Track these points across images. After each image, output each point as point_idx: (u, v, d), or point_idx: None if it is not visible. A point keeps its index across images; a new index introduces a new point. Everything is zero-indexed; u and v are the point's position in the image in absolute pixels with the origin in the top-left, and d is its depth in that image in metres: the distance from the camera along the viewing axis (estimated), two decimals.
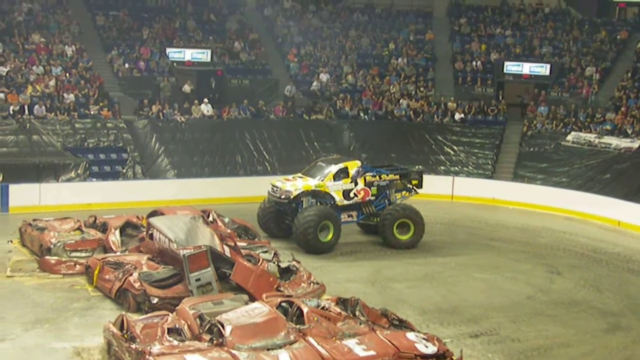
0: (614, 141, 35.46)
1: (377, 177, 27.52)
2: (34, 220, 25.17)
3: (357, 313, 17.71)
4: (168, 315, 17.09)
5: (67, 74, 36.00)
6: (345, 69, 42.39)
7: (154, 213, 23.31)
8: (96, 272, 21.12)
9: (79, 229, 24.24)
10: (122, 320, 16.75)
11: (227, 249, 20.60)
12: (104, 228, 24.21)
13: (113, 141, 34.14)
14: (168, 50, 39.91)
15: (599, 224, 32.17)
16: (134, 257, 21.45)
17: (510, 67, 42.22)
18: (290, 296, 18.79)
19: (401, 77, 41.80)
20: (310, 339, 16.08)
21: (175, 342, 15.74)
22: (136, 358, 15.46)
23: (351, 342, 16.15)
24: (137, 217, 25.01)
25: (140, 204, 29.23)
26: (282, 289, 20.21)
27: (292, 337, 16.06)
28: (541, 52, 43.12)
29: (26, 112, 33.03)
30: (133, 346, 15.71)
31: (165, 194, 31.23)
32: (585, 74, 41.17)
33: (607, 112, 37.47)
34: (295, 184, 26.65)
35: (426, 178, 29.22)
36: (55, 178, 31.47)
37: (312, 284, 21.01)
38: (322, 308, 17.35)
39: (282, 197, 26.54)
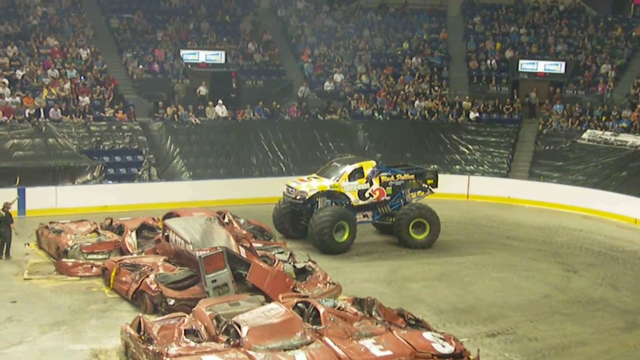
0: (630, 139, 35.29)
1: (392, 177, 27.49)
2: (51, 223, 25.34)
3: (373, 313, 17.69)
4: (185, 316, 17.12)
5: (82, 77, 36.19)
6: (359, 69, 42.38)
7: (170, 215, 23.37)
8: (113, 274, 21.21)
9: (95, 231, 24.35)
10: (139, 322, 16.80)
11: (242, 250, 20.63)
12: (120, 230, 24.31)
13: (128, 143, 34.27)
14: (182, 52, 40.04)
15: (616, 222, 32.03)
16: (151, 259, 21.52)
17: (525, 65, 42.11)
18: (307, 297, 18.80)
19: (415, 77, 41.75)
20: (327, 340, 16.08)
21: (192, 344, 15.77)
22: (153, 359, 15.50)
23: (368, 342, 16.14)
24: (153, 219, 25.12)
25: (156, 206, 29.33)
26: (298, 289, 20.21)
27: (308, 338, 16.06)
28: (556, 50, 42.96)
29: (42, 115, 33.22)
30: (150, 348, 15.76)
31: (180, 196, 31.29)
32: (601, 71, 40.99)
33: (623, 110, 37.31)
34: (310, 185, 26.66)
35: (441, 177, 29.18)
36: (71, 181, 31.61)
37: (328, 285, 21.00)
38: (339, 308, 17.35)
39: (298, 197, 26.56)
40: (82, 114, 33.89)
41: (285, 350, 15.63)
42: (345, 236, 26.19)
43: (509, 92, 41.32)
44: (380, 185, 27.12)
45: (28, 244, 25.30)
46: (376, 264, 25.42)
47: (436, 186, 28.46)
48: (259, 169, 35.88)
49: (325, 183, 26.67)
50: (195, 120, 35.77)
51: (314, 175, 27.58)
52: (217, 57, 40.45)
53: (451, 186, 33.78)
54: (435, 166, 35.31)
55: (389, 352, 15.91)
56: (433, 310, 20.81)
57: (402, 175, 27.75)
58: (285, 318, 16.52)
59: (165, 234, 22.03)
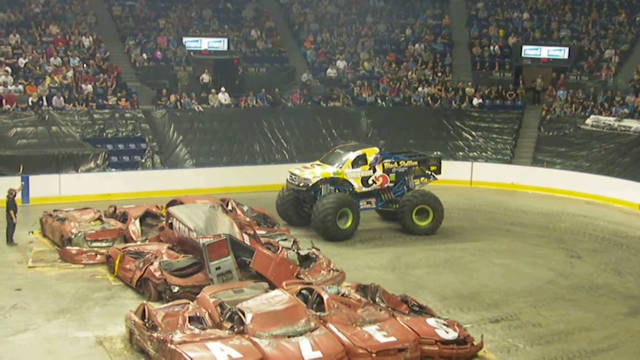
0: (634, 124, 35.19)
1: (396, 164, 27.47)
2: (55, 211, 25.39)
3: (377, 299, 17.77)
4: (189, 303, 17.18)
5: (85, 65, 36.14)
6: (362, 55, 42.28)
7: (173, 202, 23.40)
8: (117, 261, 21.27)
9: (99, 219, 24.40)
10: (144, 309, 16.86)
11: (246, 237, 20.64)
12: (124, 218, 24.36)
13: (131, 131, 34.25)
14: (185, 39, 39.95)
15: (620, 207, 32.01)
16: (154, 247, 21.57)
17: (529, 51, 41.98)
18: (310, 283, 18.83)
19: (418, 63, 41.65)
20: (331, 326, 16.15)
21: (197, 331, 15.84)
22: (158, 346, 15.57)
23: (371, 329, 16.21)
24: (157, 206, 25.14)
25: (160, 194, 29.38)
26: (301, 276, 20.24)
27: (312, 324, 16.12)
28: (559, 35, 42.81)
29: (45, 103, 33.20)
30: (155, 335, 15.83)
31: (184, 183, 31.34)
32: (605, 56, 40.84)
33: (627, 95, 37.17)
34: (313, 172, 26.65)
35: (445, 164, 29.15)
36: (74, 169, 31.65)
37: (331, 271, 21.04)
38: (342, 295, 17.41)
39: (301, 184, 26.55)
40: (85, 102, 33.89)
41: (289, 336, 15.70)
42: (349, 223, 26.20)
43: (512, 78, 41.23)
44: (383, 172, 27.10)
45: (32, 232, 25.38)
46: (380, 250, 25.44)
47: (439, 173, 28.44)
48: (262, 156, 35.85)
49: (329, 170, 26.66)
50: (198, 108, 35.75)
51: (317, 162, 27.57)
52: (219, 44, 40.40)
53: (454, 172, 33.76)
54: (439, 152, 35.42)
55: (392, 339, 15.97)
56: (436, 297, 20.83)
57: (405, 161, 27.73)
58: (289, 305, 16.57)
59: (169, 221, 22.06)
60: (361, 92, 39.41)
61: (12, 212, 24.23)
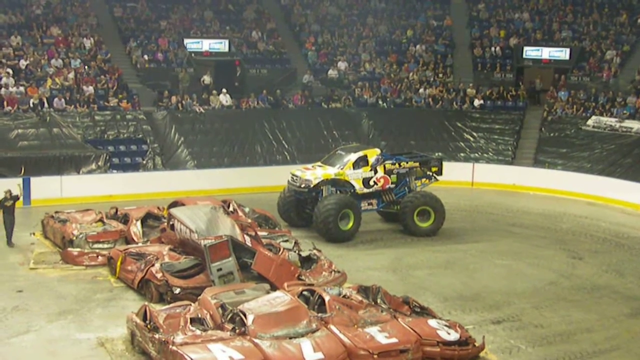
0: (635, 125, 35.18)
1: (397, 165, 27.46)
2: (56, 212, 25.39)
3: (378, 301, 17.76)
4: (190, 305, 17.18)
5: (86, 67, 36.17)
6: (363, 56, 42.30)
7: (175, 204, 23.40)
8: (118, 263, 21.26)
9: (100, 220, 24.40)
10: (145, 311, 16.85)
11: (248, 239, 20.64)
12: (125, 219, 24.35)
13: (133, 133, 34.28)
14: (186, 41, 40.01)
15: (621, 208, 31.97)
16: (156, 248, 21.56)
17: (530, 52, 42.01)
18: (312, 285, 18.83)
19: (420, 64, 41.66)
20: (332, 327, 16.14)
21: (198, 332, 15.84)
22: (159, 348, 15.57)
23: (373, 330, 16.21)
24: (158, 208, 25.17)
25: (161, 195, 29.39)
26: (303, 277, 20.23)
27: (314, 326, 16.11)
28: (560, 36, 42.81)
29: (46, 105, 33.24)
30: (156, 336, 15.82)
31: (185, 185, 31.36)
32: (606, 57, 40.83)
33: (628, 96, 37.15)
34: (314, 173, 26.65)
35: (446, 165, 29.11)
36: (76, 170, 31.66)
37: (333, 273, 21.03)
38: (344, 296, 17.40)
39: (302, 186, 26.54)
40: (86, 104, 33.92)
41: (290, 338, 15.70)
42: (350, 224, 26.18)
43: (514, 79, 41.25)
44: (384, 173, 27.09)
45: (33, 234, 25.38)
46: (381, 251, 25.43)
47: (441, 174, 28.43)
48: (263, 158, 35.85)
49: (330, 171, 26.65)
50: (199, 109, 35.77)
51: (319, 163, 27.56)
52: (220, 45, 40.46)
53: (456, 174, 33.73)
54: (440, 154, 35.40)
55: (394, 340, 15.97)
56: (438, 298, 20.82)
57: (407, 163, 27.72)
58: (290, 306, 16.57)
59: (171, 222, 22.06)
60: (362, 93, 39.43)
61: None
